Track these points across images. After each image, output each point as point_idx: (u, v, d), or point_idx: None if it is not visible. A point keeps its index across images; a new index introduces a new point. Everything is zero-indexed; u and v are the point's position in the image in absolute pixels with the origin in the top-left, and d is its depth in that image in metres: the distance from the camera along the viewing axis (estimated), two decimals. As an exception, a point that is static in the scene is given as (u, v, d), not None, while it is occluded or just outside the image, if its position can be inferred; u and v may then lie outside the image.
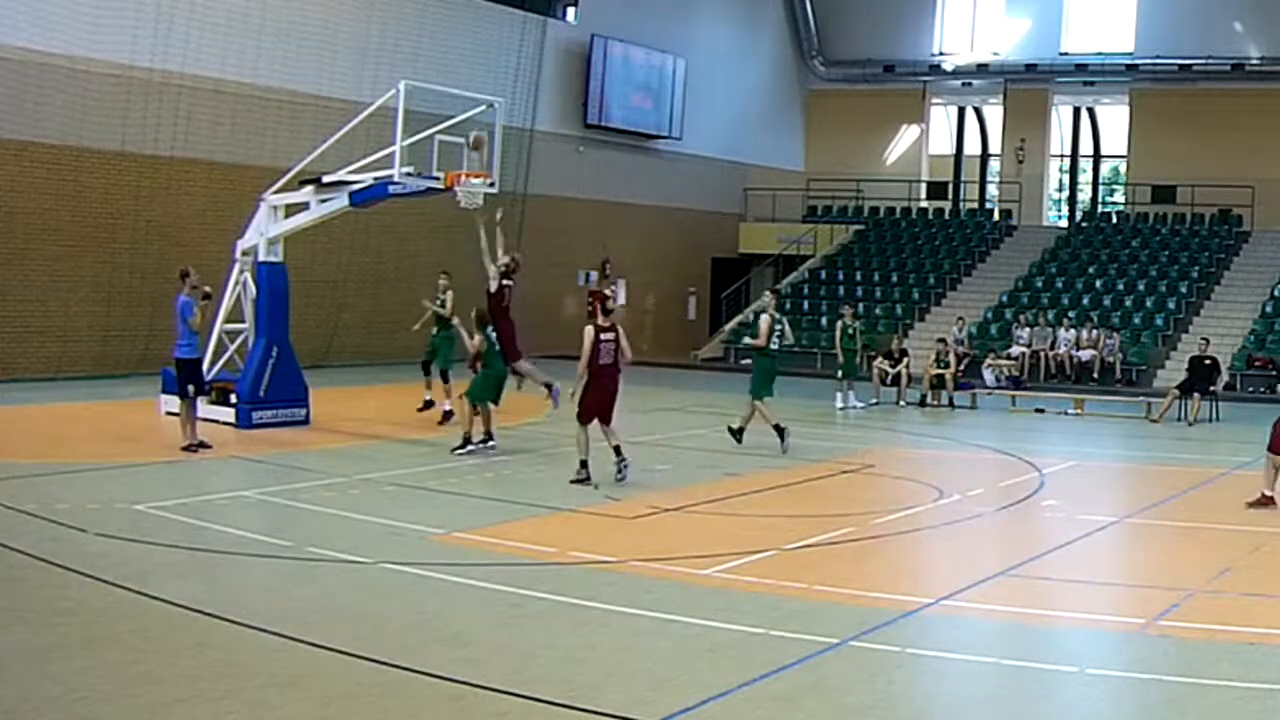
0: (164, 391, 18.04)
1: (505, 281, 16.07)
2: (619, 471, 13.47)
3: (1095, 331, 28.57)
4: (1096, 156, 40.16)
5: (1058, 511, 13.02)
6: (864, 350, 25.21)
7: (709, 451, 16.75)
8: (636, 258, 34.83)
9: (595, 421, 13.54)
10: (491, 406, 15.69)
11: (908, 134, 40.22)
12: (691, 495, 13.00)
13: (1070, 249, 34.61)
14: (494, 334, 15.58)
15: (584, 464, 13.39)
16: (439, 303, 19.08)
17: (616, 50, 33.35)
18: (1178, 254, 33.18)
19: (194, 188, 23.94)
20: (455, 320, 18.27)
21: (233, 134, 24.52)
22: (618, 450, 13.56)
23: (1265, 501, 13.04)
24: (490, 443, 15.58)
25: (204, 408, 17.37)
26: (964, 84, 38.98)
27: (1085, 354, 28.21)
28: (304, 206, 17.63)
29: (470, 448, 15.33)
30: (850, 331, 23.56)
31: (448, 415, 18.25)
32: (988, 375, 26.67)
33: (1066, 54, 37.00)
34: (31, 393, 20.12)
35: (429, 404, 19.04)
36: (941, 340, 24.71)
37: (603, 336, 13.56)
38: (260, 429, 16.91)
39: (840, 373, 23.25)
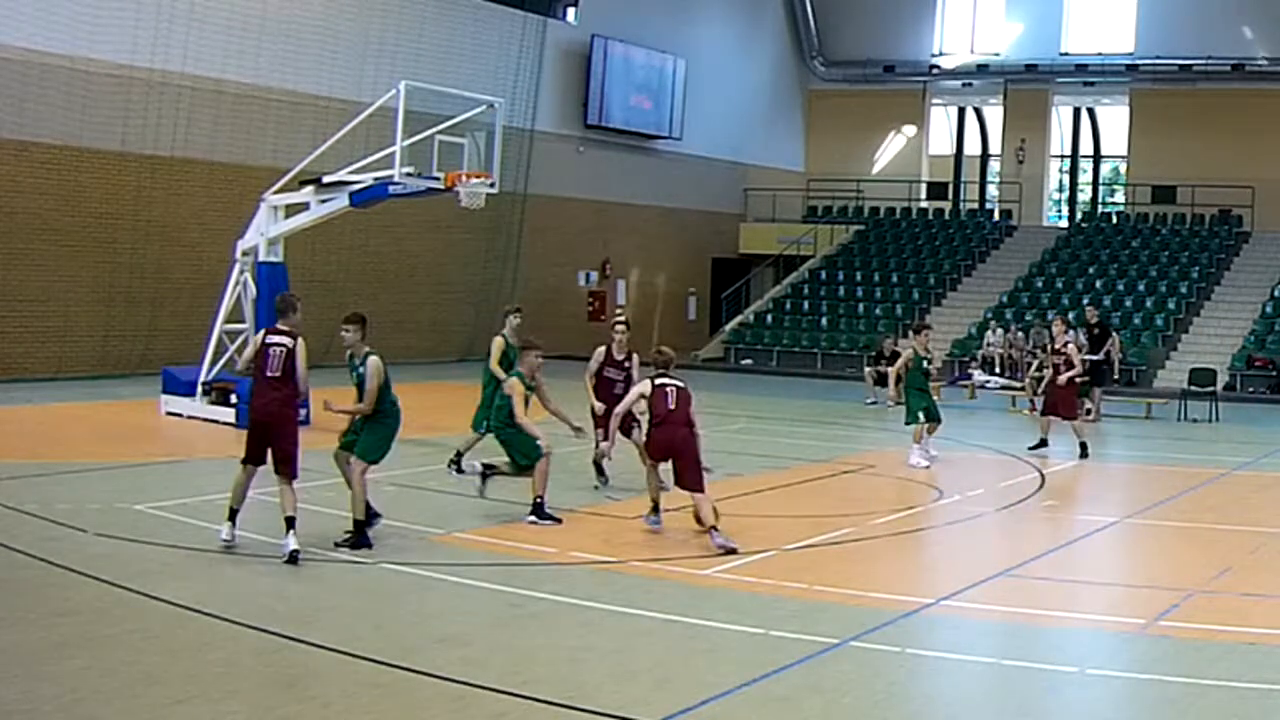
0: (164, 391, 18.04)
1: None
2: None
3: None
4: (1096, 157, 40.14)
5: (1058, 511, 13.02)
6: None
7: (709, 452, 16.68)
8: (636, 258, 34.85)
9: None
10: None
11: (908, 134, 40.21)
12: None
13: (1070, 249, 34.61)
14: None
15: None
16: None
17: (616, 50, 33.34)
18: (1178, 254, 33.18)
19: (194, 188, 23.93)
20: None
21: (233, 134, 24.51)
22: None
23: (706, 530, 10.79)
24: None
25: (205, 408, 17.42)
26: (964, 84, 38.96)
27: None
28: (304, 207, 17.63)
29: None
30: (926, 362, 16.29)
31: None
32: (978, 376, 26.84)
33: (1066, 54, 36.99)
34: (31, 393, 20.10)
35: None
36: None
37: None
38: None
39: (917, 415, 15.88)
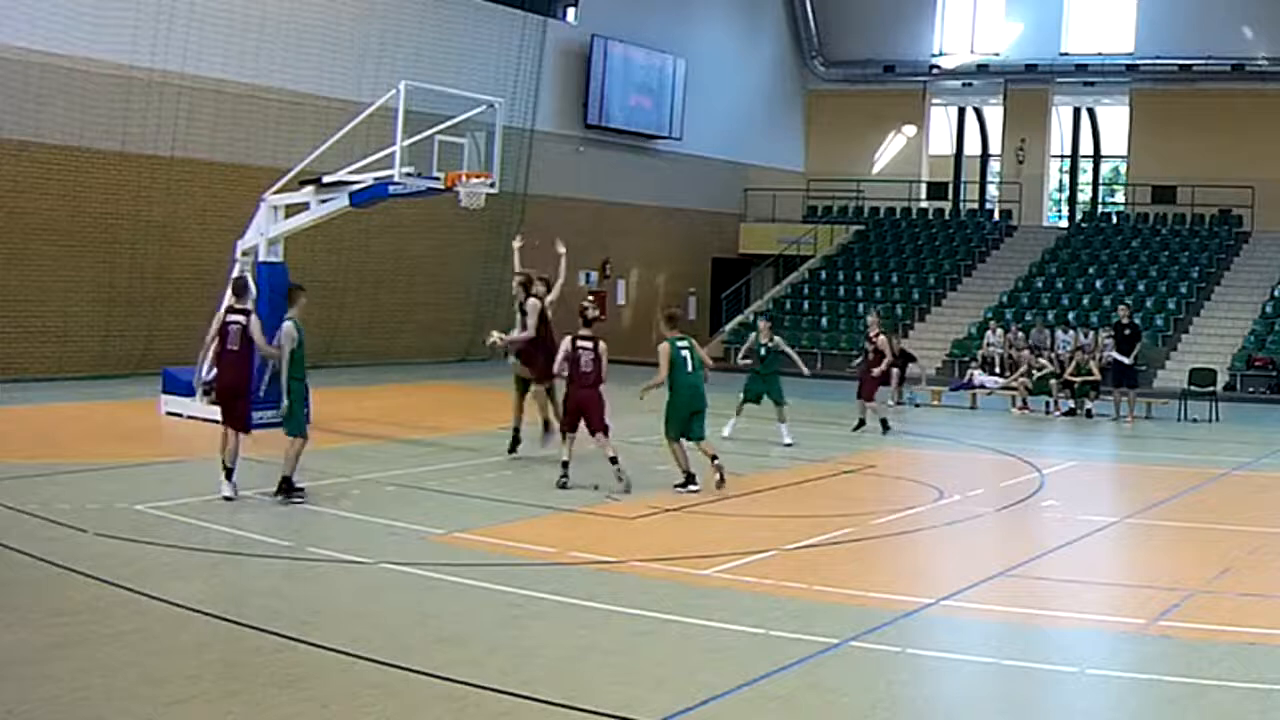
0: (164, 391, 18.03)
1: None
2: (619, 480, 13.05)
3: (1092, 333, 28.55)
4: (1096, 156, 40.17)
5: (1058, 511, 13.02)
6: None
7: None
8: (636, 258, 34.84)
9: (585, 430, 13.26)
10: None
11: (907, 134, 40.21)
12: (691, 495, 12.99)
13: (1070, 249, 34.61)
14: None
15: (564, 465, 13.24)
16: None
17: (616, 50, 33.34)
18: (1178, 254, 33.18)
19: (194, 188, 23.91)
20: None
21: (233, 134, 24.50)
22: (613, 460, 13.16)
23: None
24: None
25: (205, 408, 17.38)
26: (964, 84, 38.97)
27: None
28: (304, 207, 17.61)
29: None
30: (763, 349, 18.25)
31: None
32: (978, 376, 26.81)
33: (1066, 54, 36.99)
34: (31, 393, 20.10)
35: None
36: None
37: (581, 345, 13.22)
38: (260, 429, 16.85)
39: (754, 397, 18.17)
